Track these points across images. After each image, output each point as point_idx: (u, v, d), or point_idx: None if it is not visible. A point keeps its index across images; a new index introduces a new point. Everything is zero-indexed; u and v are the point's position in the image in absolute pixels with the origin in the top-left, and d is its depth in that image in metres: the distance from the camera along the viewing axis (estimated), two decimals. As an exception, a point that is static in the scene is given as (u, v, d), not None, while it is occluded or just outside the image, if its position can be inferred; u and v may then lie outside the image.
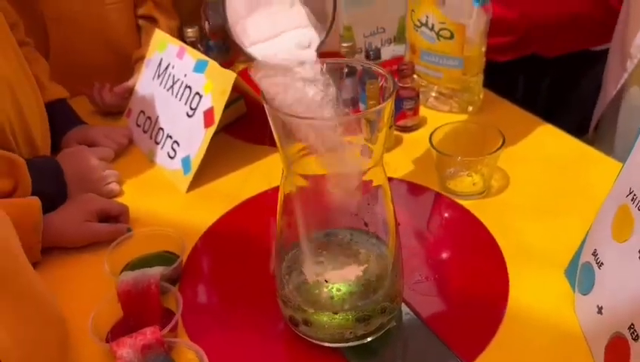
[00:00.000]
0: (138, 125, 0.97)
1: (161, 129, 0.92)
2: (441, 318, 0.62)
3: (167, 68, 0.94)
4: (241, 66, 1.16)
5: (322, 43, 0.51)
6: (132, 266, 0.69)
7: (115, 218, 0.77)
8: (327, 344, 0.57)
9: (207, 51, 1.05)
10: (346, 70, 0.73)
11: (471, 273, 0.68)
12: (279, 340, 0.61)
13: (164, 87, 0.93)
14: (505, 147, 0.77)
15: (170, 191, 0.85)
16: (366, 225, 0.59)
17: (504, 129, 0.79)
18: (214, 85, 0.85)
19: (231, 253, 0.73)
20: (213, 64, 0.87)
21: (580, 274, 0.61)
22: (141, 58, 1.06)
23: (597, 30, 1.07)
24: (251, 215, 0.80)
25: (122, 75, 1.08)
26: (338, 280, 0.57)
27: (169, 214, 0.80)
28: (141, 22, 1.16)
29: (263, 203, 0.81)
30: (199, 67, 0.88)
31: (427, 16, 0.93)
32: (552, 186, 0.80)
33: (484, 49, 0.95)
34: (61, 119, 0.94)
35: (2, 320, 0.47)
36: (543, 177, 0.82)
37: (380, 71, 0.54)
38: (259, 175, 0.88)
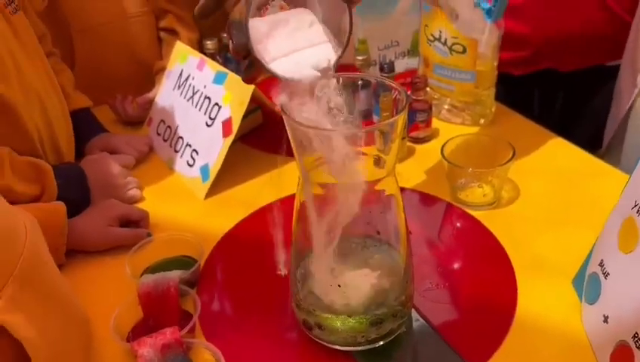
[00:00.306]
0: (158, 134, 1.00)
1: (181, 138, 0.95)
2: (451, 325, 0.64)
3: (187, 79, 0.97)
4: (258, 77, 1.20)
5: (339, 58, 0.53)
6: (152, 269, 0.71)
7: (136, 223, 0.80)
8: (339, 347, 0.59)
9: (225, 63, 1.08)
10: (360, 83, 0.75)
11: (480, 282, 0.69)
12: (292, 343, 0.63)
13: (185, 98, 0.97)
14: (515, 159, 0.79)
15: (189, 198, 0.88)
16: (378, 232, 0.61)
17: (515, 141, 0.81)
18: (233, 96, 0.88)
19: (247, 258, 0.75)
20: (232, 76, 0.90)
21: (587, 284, 0.62)
22: (162, 69, 1.10)
23: (611, 46, 1.08)
24: (267, 222, 0.82)
25: (144, 85, 1.12)
26: (351, 285, 0.59)
27: (187, 220, 0.83)
28: (162, 34, 1.19)
29: (279, 210, 0.83)
30: (219, 79, 0.91)
31: (440, 31, 0.95)
32: (561, 198, 0.82)
33: (496, 63, 0.97)
34: (85, 127, 0.97)
35: (32, 319, 0.50)
36: (553, 189, 0.84)
37: (394, 85, 0.56)
38: (274, 183, 0.90)
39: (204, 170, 0.89)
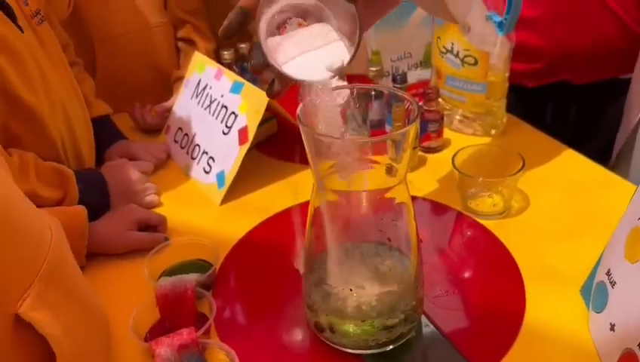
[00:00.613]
0: (176, 141, 1.03)
1: (198, 145, 0.97)
2: (460, 331, 0.65)
3: (204, 88, 1.00)
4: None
5: (352, 58, 0.53)
6: (169, 272, 0.73)
7: (154, 227, 0.82)
8: (350, 350, 0.61)
9: (242, 73, 1.11)
10: (373, 93, 0.77)
11: (489, 289, 0.70)
12: (304, 345, 0.64)
13: (202, 106, 0.99)
14: (525, 170, 0.80)
15: (205, 204, 0.90)
16: (389, 239, 0.63)
17: (526, 152, 0.82)
18: (249, 105, 0.90)
19: (261, 263, 0.77)
20: (248, 86, 0.92)
21: (595, 293, 0.64)
22: (180, 78, 1.13)
23: (624, 59, 1.09)
24: (281, 228, 0.84)
25: (161, 94, 1.15)
26: (362, 290, 0.60)
27: (203, 225, 0.85)
28: (180, 44, 1.22)
29: (292, 217, 0.86)
30: (235, 88, 0.94)
31: (452, 44, 0.97)
32: (570, 209, 0.83)
33: (507, 75, 0.99)
34: (105, 134, 1.00)
35: (56, 317, 0.52)
36: (562, 200, 0.85)
37: (406, 96, 0.58)
38: (288, 190, 0.92)
39: (220, 176, 0.91)
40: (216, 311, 0.65)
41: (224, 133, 0.93)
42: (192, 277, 0.68)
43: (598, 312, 0.62)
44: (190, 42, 1.22)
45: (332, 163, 0.57)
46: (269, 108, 0.91)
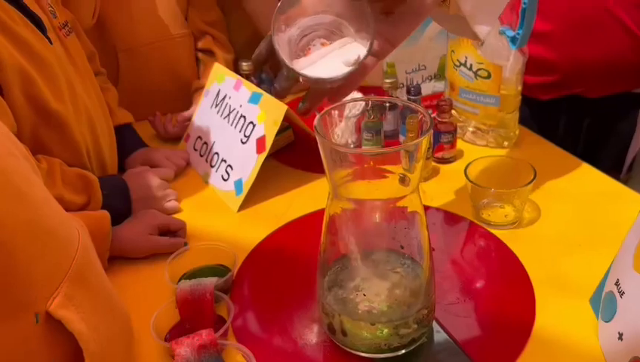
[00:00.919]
0: (195, 149, 1.06)
1: (217, 153, 1.00)
2: (470, 337, 0.66)
3: (224, 98, 1.03)
4: (289, 97, 1.25)
5: (368, 54, 0.53)
6: (189, 276, 0.76)
7: (174, 232, 0.85)
8: (362, 354, 0.63)
9: (260, 84, 1.14)
10: (388, 105, 0.80)
11: (500, 297, 0.72)
12: (318, 348, 0.66)
13: (221, 116, 1.02)
14: (536, 181, 0.81)
15: (223, 210, 0.93)
16: (402, 247, 0.65)
17: (538, 164, 0.84)
18: (267, 116, 0.93)
19: (277, 268, 0.80)
20: (266, 96, 0.95)
21: (603, 302, 0.65)
22: (199, 88, 1.16)
23: (637, 73, 1.10)
24: (296, 234, 0.86)
25: (181, 103, 1.18)
26: (375, 295, 0.62)
27: (222, 231, 0.88)
28: (200, 55, 1.26)
29: (307, 224, 0.88)
30: (254, 99, 0.96)
31: (466, 57, 0.99)
32: (581, 220, 0.84)
33: (520, 88, 1.00)
34: (127, 142, 1.04)
35: (83, 315, 0.54)
36: (573, 211, 0.86)
37: (419, 109, 0.60)
38: (304, 198, 0.94)
39: (238, 184, 0.94)
40: (234, 313, 0.68)
41: (242, 142, 0.96)
42: (211, 281, 0.70)
43: (606, 321, 0.63)
44: (210, 53, 1.25)
45: (347, 172, 0.59)
46: (286, 119, 0.93)
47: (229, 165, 0.97)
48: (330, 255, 0.64)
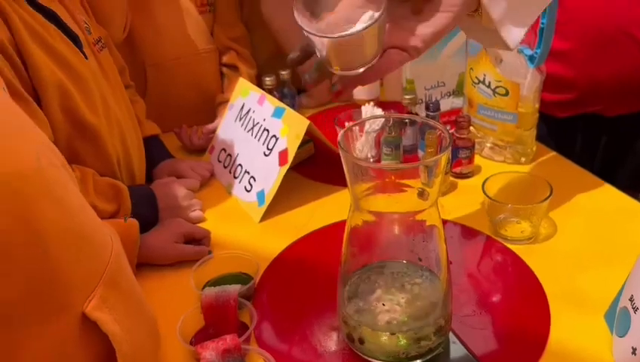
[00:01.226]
0: (219, 161, 1.09)
1: (240, 165, 1.04)
2: (485, 349, 0.68)
3: (248, 112, 1.07)
4: (310, 112, 1.29)
5: (382, 15, 0.55)
6: (213, 283, 0.79)
7: (199, 241, 0.88)
8: (380, 362, 0.65)
9: (282, 98, 1.18)
10: (407, 120, 0.82)
11: (516, 311, 0.74)
12: (338, 356, 0.68)
13: (245, 129, 1.06)
14: (553, 198, 0.83)
15: (246, 221, 0.96)
16: (420, 259, 0.67)
17: (554, 181, 0.85)
18: (290, 130, 0.96)
19: (297, 277, 0.82)
20: (289, 111, 0.98)
21: (618, 317, 0.66)
22: (223, 102, 1.20)
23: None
24: (316, 245, 0.89)
25: (206, 115, 1.22)
26: (394, 305, 0.64)
27: (244, 240, 0.90)
28: (224, 69, 1.30)
29: (327, 235, 0.90)
30: (277, 113, 1.00)
31: (485, 75, 1.02)
32: (597, 237, 0.85)
33: (537, 105, 1.02)
34: (154, 152, 1.07)
35: (117, 317, 0.57)
36: (589, 228, 0.87)
37: (438, 126, 0.63)
38: (324, 210, 0.97)
39: (261, 195, 0.97)
40: (256, 320, 0.70)
41: (265, 155, 0.99)
42: (235, 289, 0.73)
43: (620, 337, 0.64)
44: (234, 68, 1.29)
45: (368, 185, 0.62)
46: (307, 132, 0.96)
47: (252, 177, 1.00)
48: (351, 265, 0.66)
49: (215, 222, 0.96)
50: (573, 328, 0.70)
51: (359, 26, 0.55)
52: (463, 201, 0.96)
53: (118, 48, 1.08)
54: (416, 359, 0.64)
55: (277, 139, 0.98)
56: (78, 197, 0.60)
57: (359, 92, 1.30)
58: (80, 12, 0.93)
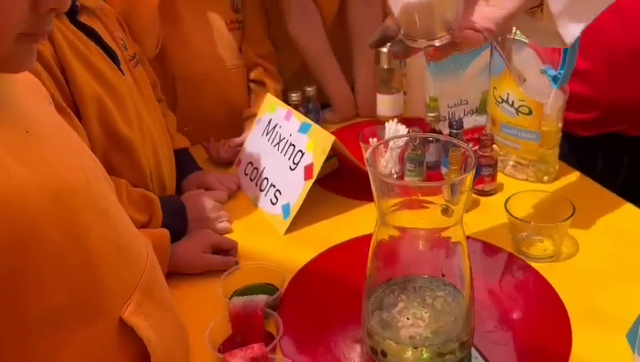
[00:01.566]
0: (246, 174, 1.12)
1: (266, 178, 1.06)
2: (507, 365, 0.69)
3: (275, 127, 1.10)
4: (333, 127, 1.31)
5: None
6: (240, 293, 0.81)
7: (226, 251, 0.91)
8: (403, 374, 0.66)
9: (307, 113, 1.20)
10: (431, 138, 0.84)
11: (537, 328, 0.74)
12: (361, 367, 0.70)
13: (271, 143, 1.09)
14: (575, 216, 0.84)
15: (271, 233, 0.98)
16: (443, 275, 0.69)
17: (577, 200, 0.86)
18: (315, 145, 0.99)
19: (322, 289, 0.84)
20: (315, 127, 1.01)
21: (640, 337, 0.67)
22: (251, 116, 1.23)
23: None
24: (340, 258, 0.91)
25: (233, 129, 1.25)
26: (417, 319, 0.66)
27: (270, 251, 0.93)
28: (252, 85, 1.33)
29: (350, 248, 0.92)
30: (303, 129, 1.03)
31: (508, 94, 1.03)
32: (619, 256, 0.86)
33: (560, 125, 1.03)
34: (183, 165, 1.11)
35: (151, 323, 0.60)
36: (611, 246, 0.88)
37: (462, 145, 0.64)
38: (347, 224, 0.99)
39: (286, 208, 0.99)
40: (283, 330, 0.72)
41: (291, 169, 1.02)
42: (262, 298, 0.75)
43: (642, 356, 0.65)
44: (261, 83, 1.32)
45: (395, 201, 0.64)
46: (332, 148, 0.99)
47: (278, 190, 1.03)
48: (376, 279, 0.68)
49: (241, 233, 0.98)
50: (594, 347, 0.71)
51: None
52: (485, 218, 0.97)
53: (149, 63, 1.12)
54: (439, 373, 0.65)
55: (303, 153, 1.01)
56: (118, 209, 0.63)
57: (383, 108, 1.32)
58: (117, 29, 0.98)
